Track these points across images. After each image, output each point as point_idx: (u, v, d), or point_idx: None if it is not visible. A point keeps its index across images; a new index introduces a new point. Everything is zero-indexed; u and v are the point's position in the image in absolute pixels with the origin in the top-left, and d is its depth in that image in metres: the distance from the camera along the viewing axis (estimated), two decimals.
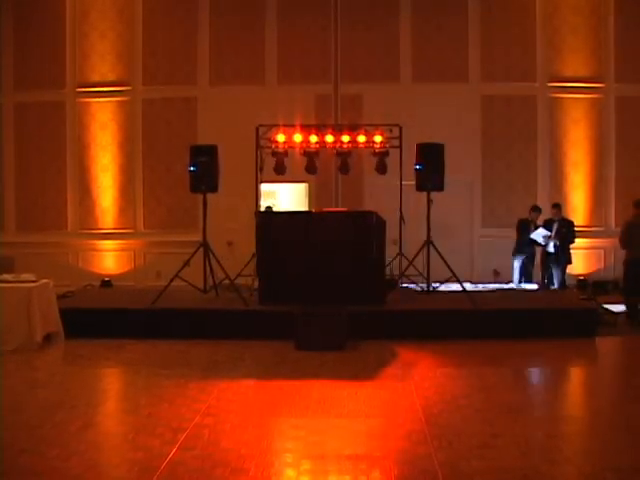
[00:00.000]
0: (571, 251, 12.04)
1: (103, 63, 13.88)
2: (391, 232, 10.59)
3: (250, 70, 13.64)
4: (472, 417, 5.70)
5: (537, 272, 12.25)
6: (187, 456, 4.80)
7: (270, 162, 11.32)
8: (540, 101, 13.54)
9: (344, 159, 11.51)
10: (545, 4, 13.50)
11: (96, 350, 8.35)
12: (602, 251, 13.29)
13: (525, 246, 12.07)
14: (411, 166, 10.59)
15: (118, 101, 13.88)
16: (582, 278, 13.04)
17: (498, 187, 13.50)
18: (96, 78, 13.88)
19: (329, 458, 4.79)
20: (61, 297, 9.94)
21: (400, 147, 11.15)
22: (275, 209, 13.27)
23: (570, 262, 12.09)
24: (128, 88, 13.83)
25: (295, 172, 11.73)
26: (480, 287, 11.48)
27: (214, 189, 10.24)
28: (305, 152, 11.43)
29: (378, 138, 11.26)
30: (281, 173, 11.42)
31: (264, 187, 12.19)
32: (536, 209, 12.25)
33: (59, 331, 8.88)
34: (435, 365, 7.65)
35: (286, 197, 14.34)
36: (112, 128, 13.93)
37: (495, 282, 12.65)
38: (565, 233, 11.88)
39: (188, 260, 9.83)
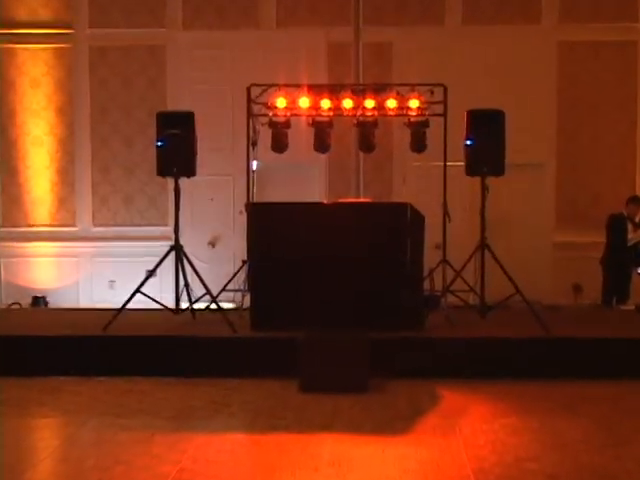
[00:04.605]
0: None
1: None
2: (432, 232, 10.67)
3: (238, 8, 13.74)
4: None
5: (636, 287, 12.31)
6: None
7: (266, 135, 11.42)
8: None
9: (367, 132, 11.59)
10: None
11: (25, 393, 8.44)
12: None
13: (619, 252, 12.11)
14: (459, 141, 10.63)
15: (56, 48, 14.00)
16: None
17: (580, 170, 13.54)
18: (23, 16, 13.99)
19: None
20: None
21: (445, 115, 11.19)
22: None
23: None
24: (70, 31, 13.95)
25: (300, 149, 11.81)
26: None
27: (190, 172, 10.34)
28: (314, 122, 11.53)
29: (414, 103, 11.34)
30: (281, 150, 11.51)
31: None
32: (636, 201, 12.28)
33: None
34: (491, 414, 7.69)
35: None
36: (47, 86, 14.07)
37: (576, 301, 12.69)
38: None
39: (154, 269, 9.93)
